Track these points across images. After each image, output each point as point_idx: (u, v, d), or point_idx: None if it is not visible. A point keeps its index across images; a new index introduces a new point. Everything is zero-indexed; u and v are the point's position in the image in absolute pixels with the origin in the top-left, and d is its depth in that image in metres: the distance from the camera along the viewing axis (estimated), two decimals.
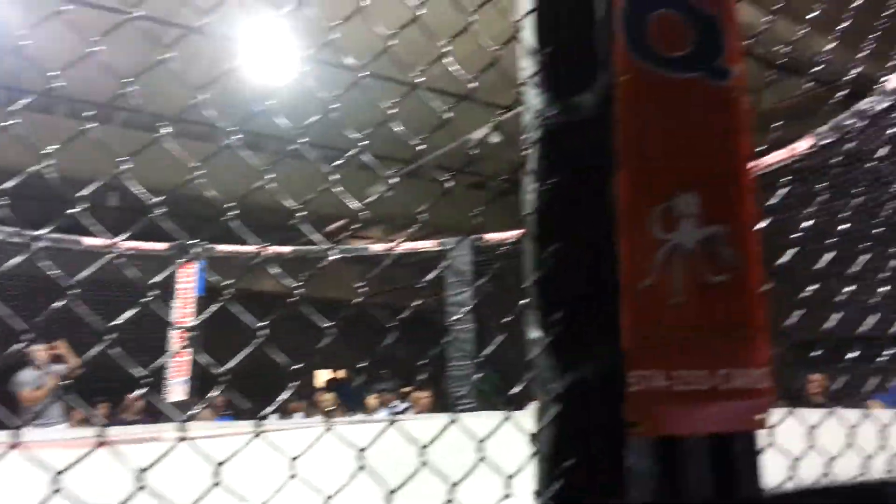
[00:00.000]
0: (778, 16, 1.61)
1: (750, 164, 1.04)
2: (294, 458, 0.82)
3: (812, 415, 1.28)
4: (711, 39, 1.06)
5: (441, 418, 0.97)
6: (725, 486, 0.98)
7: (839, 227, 1.93)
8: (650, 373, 0.94)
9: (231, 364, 0.99)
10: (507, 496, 0.90)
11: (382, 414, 7.83)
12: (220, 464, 0.83)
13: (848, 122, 4.47)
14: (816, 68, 1.83)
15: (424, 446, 0.97)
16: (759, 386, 1.00)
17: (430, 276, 1.53)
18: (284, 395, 1.09)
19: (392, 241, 10.74)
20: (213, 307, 1.07)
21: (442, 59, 0.98)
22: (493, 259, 6.57)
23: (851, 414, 1.32)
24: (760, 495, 1.00)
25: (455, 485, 0.88)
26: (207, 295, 7.33)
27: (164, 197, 0.95)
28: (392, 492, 0.89)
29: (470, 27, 1.01)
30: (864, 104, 4.36)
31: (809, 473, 1.15)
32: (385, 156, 7.74)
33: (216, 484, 0.83)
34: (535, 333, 1.01)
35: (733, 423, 0.99)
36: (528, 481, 0.98)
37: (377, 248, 7.84)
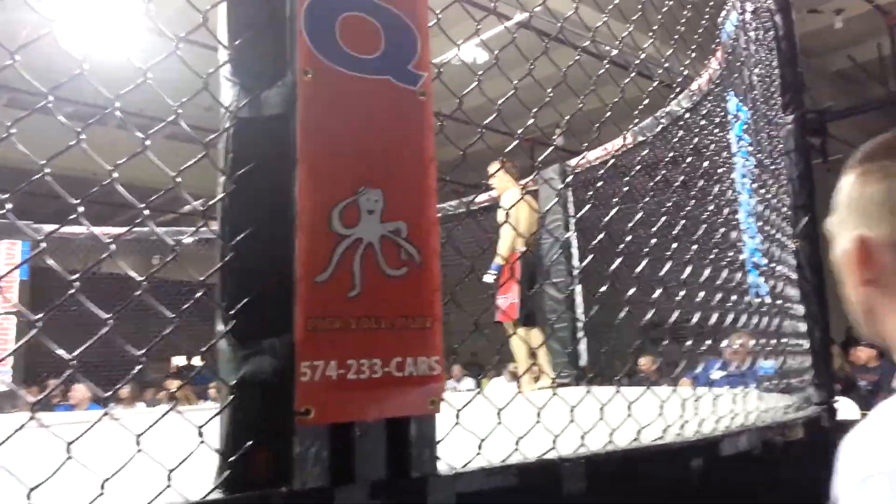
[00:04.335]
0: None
1: (432, 165, 1.10)
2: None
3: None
4: (404, 44, 1.11)
5: None
6: (400, 467, 1.05)
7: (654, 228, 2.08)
8: (322, 363, 0.98)
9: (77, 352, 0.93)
10: (168, 487, 0.91)
11: None
12: None
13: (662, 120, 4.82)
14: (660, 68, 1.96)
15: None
16: (431, 373, 1.06)
17: None
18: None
19: None
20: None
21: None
22: None
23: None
24: (432, 475, 1.07)
25: (106, 480, 0.88)
26: (31, 279, 6.83)
27: None
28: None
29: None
30: (673, 105, 4.72)
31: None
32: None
33: None
34: (218, 325, 1.02)
35: (407, 409, 1.06)
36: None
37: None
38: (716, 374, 5.01)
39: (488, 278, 4.33)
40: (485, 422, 1.21)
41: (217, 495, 0.93)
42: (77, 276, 0.87)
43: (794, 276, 2.42)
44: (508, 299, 4.38)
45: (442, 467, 1.10)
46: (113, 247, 0.87)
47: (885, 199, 0.72)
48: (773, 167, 2.58)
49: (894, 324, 0.72)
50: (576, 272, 4.85)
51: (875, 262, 0.72)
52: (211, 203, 1.03)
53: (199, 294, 1.00)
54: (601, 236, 1.87)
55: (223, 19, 1.06)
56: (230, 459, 0.95)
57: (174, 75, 1.00)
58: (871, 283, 0.73)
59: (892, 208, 0.71)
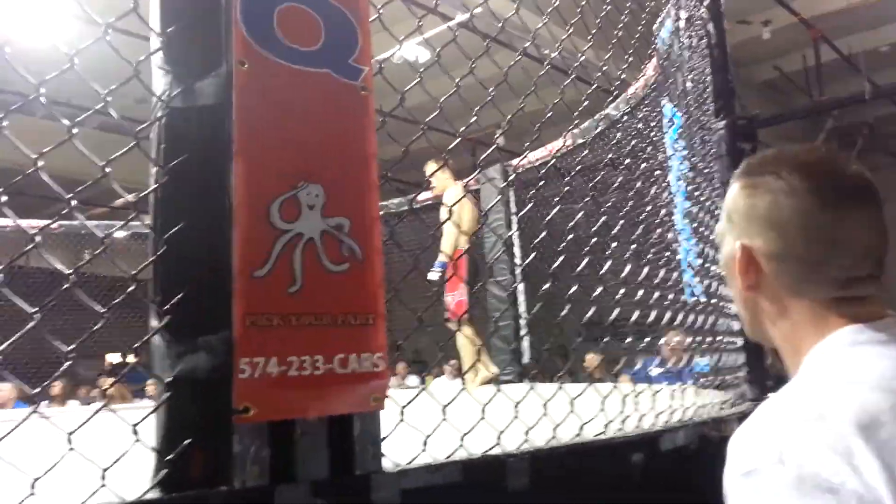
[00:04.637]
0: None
1: (374, 161, 1.09)
2: None
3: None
4: (344, 38, 1.10)
5: None
6: (344, 465, 1.03)
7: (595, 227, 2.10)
8: (262, 359, 0.96)
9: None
10: (102, 487, 0.88)
11: None
12: None
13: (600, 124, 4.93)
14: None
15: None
16: (375, 370, 1.05)
17: None
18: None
19: None
20: None
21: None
22: None
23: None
24: (376, 472, 1.05)
25: (37, 479, 0.84)
26: None
27: None
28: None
29: None
30: (611, 109, 4.82)
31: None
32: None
33: None
34: (153, 321, 0.99)
35: (350, 406, 1.04)
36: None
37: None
38: (654, 371, 5.14)
39: (433, 276, 4.33)
40: (429, 418, 1.20)
41: (153, 495, 0.90)
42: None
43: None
44: (456, 297, 4.40)
45: (386, 464, 1.09)
46: (38, 238, 0.83)
47: (766, 212, 0.77)
48: (705, 170, 2.66)
49: (774, 327, 0.79)
50: (518, 270, 4.90)
51: (756, 269, 0.77)
52: (143, 195, 0.99)
53: (130, 289, 0.97)
54: (542, 235, 1.89)
55: (156, 5, 1.03)
56: (167, 458, 0.92)
57: (105, 64, 0.96)
58: (752, 288, 0.79)
59: (771, 222, 0.76)
